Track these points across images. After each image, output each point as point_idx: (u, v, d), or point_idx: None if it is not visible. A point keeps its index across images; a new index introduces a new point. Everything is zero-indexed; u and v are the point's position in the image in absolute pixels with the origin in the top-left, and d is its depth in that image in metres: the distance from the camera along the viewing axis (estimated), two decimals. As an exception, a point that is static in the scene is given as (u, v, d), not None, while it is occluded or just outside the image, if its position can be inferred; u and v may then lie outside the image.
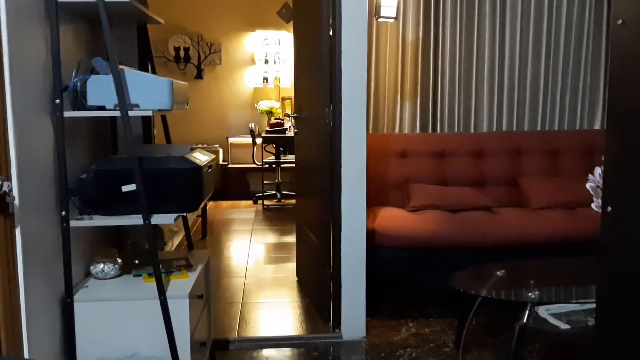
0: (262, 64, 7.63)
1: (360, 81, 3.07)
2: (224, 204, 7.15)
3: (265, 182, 6.98)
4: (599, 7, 4.22)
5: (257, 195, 7.15)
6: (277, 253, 4.93)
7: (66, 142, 2.16)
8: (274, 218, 6.37)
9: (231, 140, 7.60)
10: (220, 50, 7.58)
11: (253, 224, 6.06)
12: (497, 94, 4.23)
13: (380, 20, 3.79)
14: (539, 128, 4.28)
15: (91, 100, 2.20)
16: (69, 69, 2.24)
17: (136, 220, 2.19)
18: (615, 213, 1.44)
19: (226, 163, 7.52)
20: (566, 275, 2.99)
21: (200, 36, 7.54)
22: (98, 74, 2.23)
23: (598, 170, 2.65)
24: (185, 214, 2.37)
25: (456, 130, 4.24)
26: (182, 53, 7.53)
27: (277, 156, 6.94)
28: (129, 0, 2.14)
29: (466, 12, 4.16)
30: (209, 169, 2.46)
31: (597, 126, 4.30)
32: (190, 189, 2.27)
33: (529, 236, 3.42)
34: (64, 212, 2.14)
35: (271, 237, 5.48)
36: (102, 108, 2.21)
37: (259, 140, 6.92)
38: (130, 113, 2.14)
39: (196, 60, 7.56)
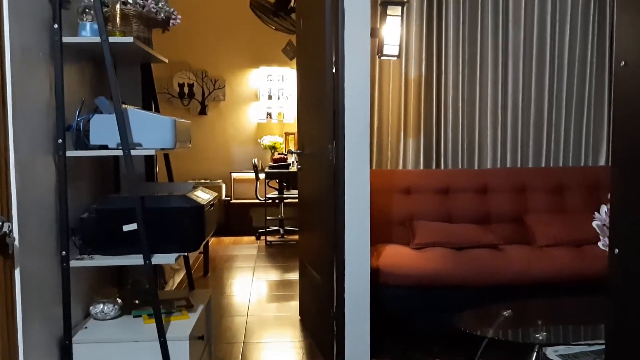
0: (266, 100, 7.69)
1: (364, 118, 3.08)
2: (227, 240, 7.11)
3: (268, 217, 6.95)
4: (601, 43, 4.25)
5: (260, 230, 7.12)
6: (279, 291, 4.88)
7: (68, 182, 2.15)
8: (277, 254, 6.32)
9: (234, 175, 7.60)
10: (224, 86, 7.65)
11: (255, 260, 6.01)
12: (500, 130, 4.24)
13: (383, 58, 3.82)
14: (543, 164, 4.27)
15: (94, 140, 2.20)
16: (73, 108, 2.25)
17: (137, 260, 2.17)
18: (622, 255, 1.41)
19: (229, 198, 7.51)
20: (574, 315, 2.93)
21: (205, 72, 7.61)
22: (101, 113, 2.24)
23: (604, 208, 2.62)
24: (186, 254, 2.35)
25: (460, 166, 4.23)
26: (186, 89, 7.60)
27: (280, 191, 6.93)
28: (133, 41, 2.15)
29: (468, 49, 4.20)
30: (210, 207, 2.44)
31: (602, 162, 4.29)
32: (192, 228, 2.25)
33: (535, 274, 3.37)
34: (64, 252, 2.12)
35: (274, 274, 5.43)
36: (105, 147, 2.22)
37: (262, 176, 6.92)
38: (133, 152, 2.13)
39: (200, 96, 7.63)
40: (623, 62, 1.38)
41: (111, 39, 2.12)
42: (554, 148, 4.27)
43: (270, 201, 6.93)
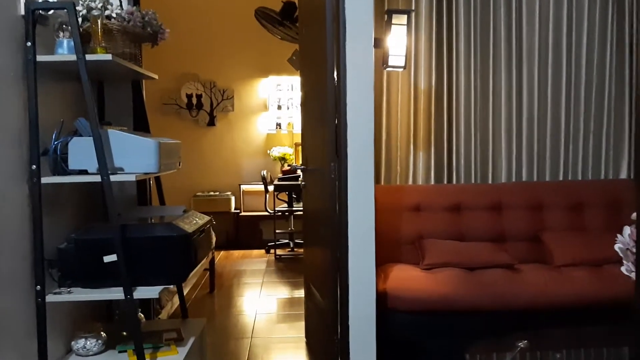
0: (275, 110, 7.54)
1: (367, 135, 2.90)
2: (236, 253, 6.96)
3: (277, 230, 6.79)
4: (620, 49, 4.02)
5: (269, 244, 6.96)
6: (287, 310, 4.70)
7: (47, 210, 2.01)
8: (286, 269, 6.16)
9: (244, 187, 7.46)
10: (232, 96, 7.52)
11: (264, 275, 5.85)
12: (515, 143, 4.02)
13: (388, 69, 3.63)
14: (561, 177, 4.04)
15: (73, 164, 2.06)
16: (52, 131, 2.11)
17: (119, 294, 2.01)
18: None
19: (238, 211, 7.36)
20: (597, 347, 2.72)
21: (213, 83, 7.50)
22: (81, 135, 2.10)
23: (627, 231, 2.42)
24: (171, 286, 2.19)
25: (473, 181, 4.02)
26: (194, 100, 7.48)
27: (290, 204, 6.77)
28: (112, 59, 2.00)
29: (480, 58, 4.00)
30: (200, 235, 2.28)
31: (623, 175, 4.06)
32: (178, 259, 2.09)
33: (552, 297, 3.14)
34: (39, 287, 1.97)
35: (282, 291, 5.26)
36: (85, 172, 2.07)
37: (271, 188, 6.76)
38: (112, 178, 1.98)
39: (209, 107, 7.50)
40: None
41: (88, 57, 1.98)
42: (572, 160, 4.05)
43: (280, 214, 6.77)
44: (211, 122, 7.52)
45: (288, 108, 7.53)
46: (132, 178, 2.00)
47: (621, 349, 2.71)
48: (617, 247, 2.44)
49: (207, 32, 7.29)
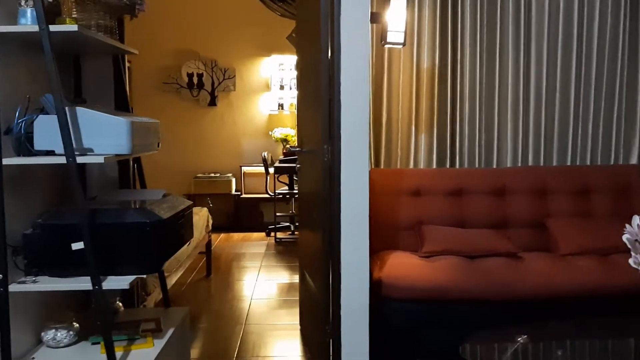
0: (278, 90, 7.37)
1: (362, 115, 2.74)
2: (236, 236, 6.84)
3: (278, 213, 6.66)
4: (634, 26, 3.82)
5: (270, 227, 6.83)
6: (284, 295, 4.59)
7: (12, 192, 1.88)
8: (285, 253, 6.03)
9: (245, 169, 7.32)
10: (234, 76, 7.35)
11: (263, 259, 5.73)
12: (522, 125, 3.84)
13: (387, 46, 3.46)
14: (568, 162, 3.86)
15: (38, 145, 1.92)
16: (17, 108, 1.96)
17: (88, 284, 1.88)
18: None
19: (239, 193, 7.23)
20: (601, 341, 2.57)
21: (214, 62, 7.33)
22: (48, 113, 1.95)
23: (637, 220, 2.26)
24: (144, 276, 2.05)
25: (476, 165, 3.85)
26: (195, 79, 7.32)
27: (291, 187, 6.63)
28: (78, 30, 1.85)
29: (487, 35, 3.80)
30: (179, 220, 2.14)
31: (633, 160, 3.87)
32: (152, 246, 1.95)
33: (557, 287, 2.99)
34: (1, 275, 1.84)
35: (280, 276, 5.14)
36: (53, 153, 1.93)
37: (272, 170, 6.62)
38: (80, 159, 1.84)
39: (210, 87, 7.34)
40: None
41: (52, 28, 1.82)
42: (581, 144, 3.86)
43: (280, 196, 6.64)
44: (212, 102, 7.37)
45: (291, 88, 7.35)
46: (100, 160, 1.86)
47: (627, 340, 2.58)
48: (625, 238, 2.29)
49: (208, 8, 7.11)
